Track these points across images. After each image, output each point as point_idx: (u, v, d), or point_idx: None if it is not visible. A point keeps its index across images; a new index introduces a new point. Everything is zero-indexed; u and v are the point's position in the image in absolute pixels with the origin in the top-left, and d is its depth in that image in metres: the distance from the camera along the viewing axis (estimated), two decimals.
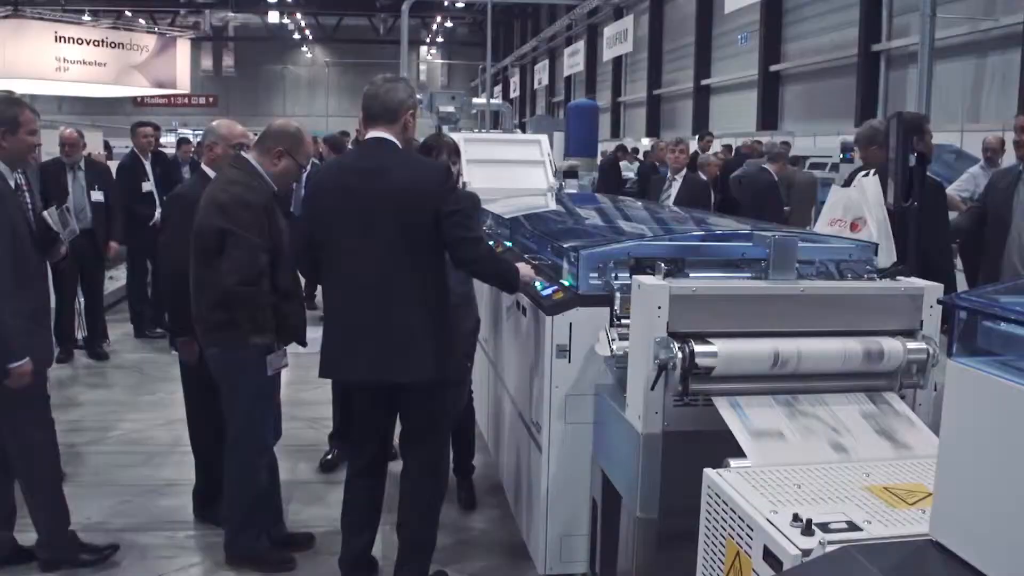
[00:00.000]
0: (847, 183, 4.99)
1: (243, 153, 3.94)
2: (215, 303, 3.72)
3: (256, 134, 4.13)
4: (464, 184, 4.35)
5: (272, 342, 3.77)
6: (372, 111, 3.46)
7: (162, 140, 10.30)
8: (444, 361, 3.46)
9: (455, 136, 5.44)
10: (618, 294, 3.21)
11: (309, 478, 4.99)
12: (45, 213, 4.05)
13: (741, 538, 2.10)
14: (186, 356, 4.19)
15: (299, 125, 3.97)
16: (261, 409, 3.92)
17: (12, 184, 3.77)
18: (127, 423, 5.90)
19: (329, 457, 5.16)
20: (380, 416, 3.64)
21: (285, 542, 4.13)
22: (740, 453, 2.44)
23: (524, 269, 3.64)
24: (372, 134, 3.45)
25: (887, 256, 4.50)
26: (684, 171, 7.98)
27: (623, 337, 3.03)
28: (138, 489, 4.85)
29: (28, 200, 4.21)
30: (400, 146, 3.45)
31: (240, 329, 3.70)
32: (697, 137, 14.79)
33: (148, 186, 8.10)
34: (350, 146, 4.88)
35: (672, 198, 7.71)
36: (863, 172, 4.84)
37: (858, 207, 4.64)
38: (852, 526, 1.97)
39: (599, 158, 19.71)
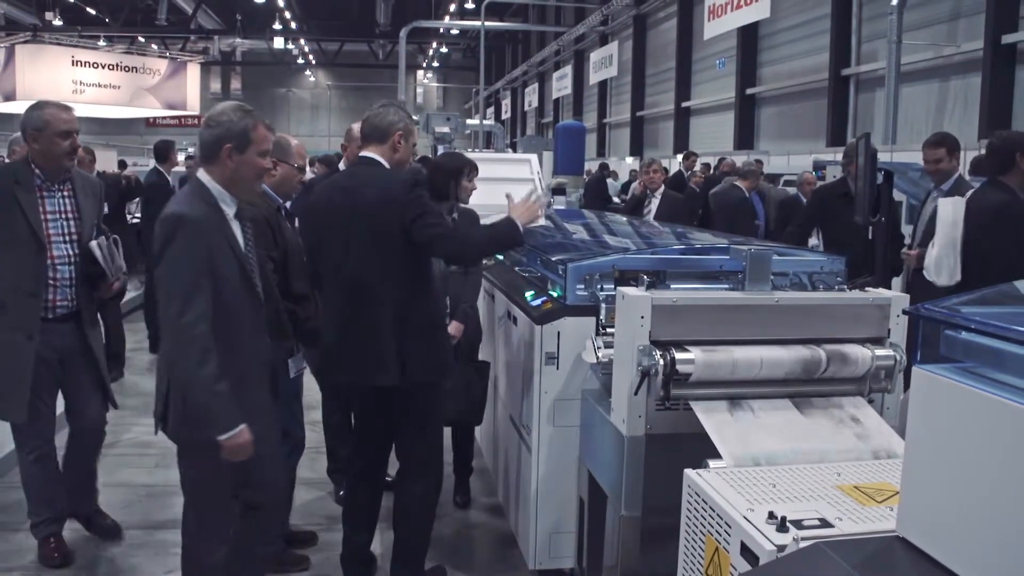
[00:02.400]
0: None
1: None
2: None
3: None
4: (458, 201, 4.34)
5: (292, 345, 3.77)
6: (364, 132, 3.52)
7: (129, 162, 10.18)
8: (421, 366, 3.41)
9: None
10: (603, 304, 3.21)
11: (310, 477, 4.97)
12: (93, 244, 3.75)
13: (720, 535, 2.10)
14: None
15: (280, 134, 3.98)
16: (289, 408, 3.90)
17: (231, 213, 2.92)
18: (139, 427, 5.87)
19: (341, 493, 4.66)
20: (375, 419, 3.62)
21: (288, 540, 4.11)
22: (718, 454, 2.44)
23: (521, 214, 3.37)
24: (363, 153, 3.49)
25: (948, 275, 4.57)
26: (662, 188, 8.02)
27: (608, 345, 3.03)
28: (150, 489, 4.83)
29: (74, 227, 3.75)
30: (387, 165, 3.45)
31: None
32: (681, 156, 14.87)
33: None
34: (341, 164, 4.85)
35: (652, 214, 7.74)
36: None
37: (933, 225, 4.83)
38: (824, 523, 1.97)
39: (585, 176, 19.75)
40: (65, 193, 3.76)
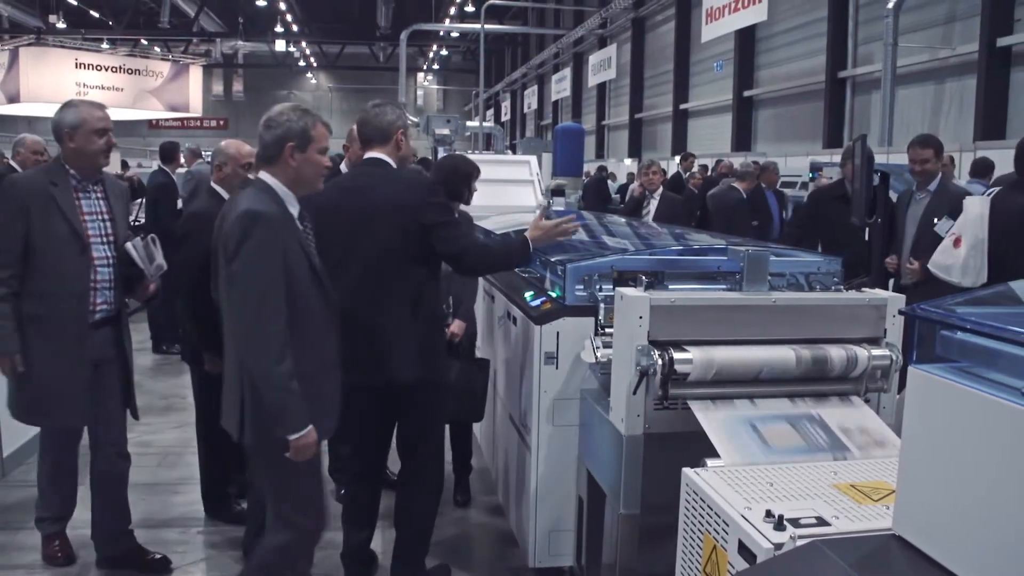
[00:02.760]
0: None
1: (250, 175, 3.94)
2: None
3: None
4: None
5: None
6: (365, 134, 3.48)
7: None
8: (425, 364, 3.38)
9: None
10: (602, 305, 3.21)
11: None
12: (129, 245, 3.64)
13: (717, 533, 2.10)
14: (212, 368, 4.11)
15: None
16: None
17: (295, 213, 2.89)
18: (140, 426, 5.86)
19: (342, 491, 4.63)
20: (376, 419, 3.60)
21: None
22: (716, 453, 2.44)
23: (539, 236, 3.37)
24: (368, 155, 3.47)
25: (975, 275, 4.52)
26: (660, 190, 8.02)
27: (607, 345, 3.03)
28: (152, 488, 4.82)
29: (110, 228, 3.65)
30: (394, 164, 3.46)
31: None
32: (679, 158, 14.87)
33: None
34: (343, 166, 4.82)
35: (651, 215, 7.75)
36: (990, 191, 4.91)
37: (963, 225, 4.73)
38: (821, 521, 1.97)
39: (584, 178, 19.76)
40: (99, 194, 3.65)
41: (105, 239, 3.62)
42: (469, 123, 26.29)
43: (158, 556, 3.93)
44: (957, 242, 4.72)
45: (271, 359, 2.67)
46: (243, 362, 2.77)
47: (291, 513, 2.94)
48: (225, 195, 4.09)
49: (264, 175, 2.88)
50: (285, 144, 2.82)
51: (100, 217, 3.63)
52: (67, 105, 3.60)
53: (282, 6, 33.53)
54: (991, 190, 5.00)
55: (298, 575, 3.06)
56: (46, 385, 3.57)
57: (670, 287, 3.11)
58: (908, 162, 5.46)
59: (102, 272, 3.61)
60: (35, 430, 5.33)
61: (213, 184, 4.26)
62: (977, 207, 4.66)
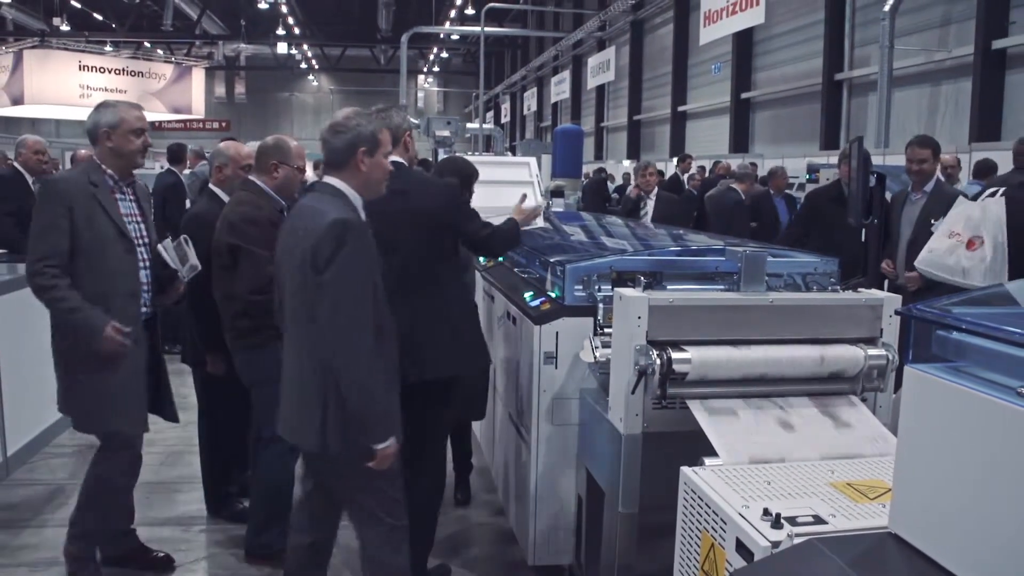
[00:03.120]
0: (975, 198, 4.88)
1: (250, 176, 3.94)
2: (238, 313, 3.73)
3: None
4: None
5: None
6: None
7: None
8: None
9: None
10: (601, 305, 3.21)
11: None
12: (160, 247, 3.59)
13: (715, 531, 2.10)
14: (215, 370, 4.11)
15: (280, 136, 4.00)
16: None
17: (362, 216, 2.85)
18: None
19: None
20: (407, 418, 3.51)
21: None
22: (714, 452, 2.44)
23: (522, 217, 3.70)
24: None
25: (997, 277, 4.40)
26: (656, 190, 8.04)
27: (606, 345, 3.03)
28: (154, 487, 4.82)
29: (143, 230, 3.58)
30: (407, 164, 3.48)
31: (263, 335, 3.70)
32: (677, 160, 14.87)
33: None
34: None
35: (649, 216, 7.75)
36: (992, 191, 4.75)
37: (977, 226, 4.57)
38: (818, 519, 1.97)
39: (583, 179, 19.76)
40: (131, 196, 3.58)
41: (140, 240, 3.55)
42: (469, 125, 26.30)
43: (161, 554, 3.93)
44: (971, 244, 4.57)
45: (366, 369, 2.64)
46: (336, 371, 2.66)
47: (379, 511, 2.92)
48: (225, 197, 4.08)
49: (334, 180, 2.83)
50: (356, 149, 2.79)
51: (135, 219, 3.56)
52: (104, 105, 3.53)
53: (284, 9, 33.54)
54: (988, 191, 4.93)
55: (401, 565, 3.03)
56: (109, 390, 3.44)
57: (668, 287, 3.11)
58: (905, 162, 5.43)
59: (142, 274, 3.54)
60: (39, 429, 5.37)
61: (212, 186, 4.24)
62: (995, 209, 4.58)
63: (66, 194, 3.36)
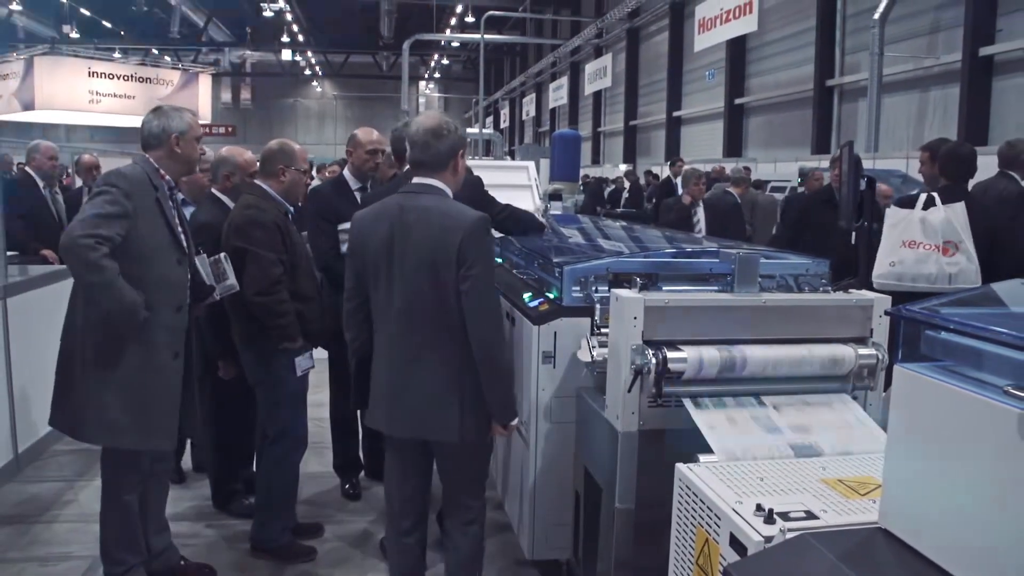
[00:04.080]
0: (905, 205, 4.79)
1: (256, 181, 3.94)
2: (246, 315, 3.73)
3: None
4: None
5: (300, 345, 3.77)
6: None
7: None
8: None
9: None
10: (598, 306, 3.21)
11: (316, 471, 4.96)
12: (198, 260, 3.47)
13: (709, 526, 2.10)
14: (226, 374, 4.10)
15: (284, 140, 3.99)
16: (294, 408, 3.90)
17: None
18: None
19: (347, 487, 4.75)
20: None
21: (296, 531, 4.11)
22: (708, 449, 2.45)
23: None
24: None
25: (974, 278, 4.36)
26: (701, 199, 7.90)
27: (603, 345, 3.03)
28: None
29: (184, 240, 3.36)
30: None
31: (270, 336, 3.70)
32: (670, 163, 14.87)
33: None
34: (346, 171, 4.73)
35: (702, 223, 7.64)
36: (928, 195, 4.65)
37: (951, 231, 4.50)
38: (810, 515, 1.97)
39: (581, 184, 19.76)
40: (174, 204, 3.39)
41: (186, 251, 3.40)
42: (469, 130, 26.28)
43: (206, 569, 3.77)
44: (946, 251, 4.49)
45: (509, 354, 2.86)
46: (488, 359, 2.82)
47: (480, 495, 3.16)
48: (229, 203, 4.06)
49: (437, 183, 2.87)
50: (458, 151, 2.87)
51: (181, 228, 3.39)
52: (166, 111, 3.37)
53: (288, 17, 33.54)
54: (924, 197, 4.79)
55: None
56: (146, 403, 3.25)
57: (664, 288, 3.11)
58: (920, 163, 5.35)
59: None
60: (49, 427, 5.36)
61: (216, 192, 4.18)
62: (961, 212, 4.59)
63: (133, 194, 3.16)
